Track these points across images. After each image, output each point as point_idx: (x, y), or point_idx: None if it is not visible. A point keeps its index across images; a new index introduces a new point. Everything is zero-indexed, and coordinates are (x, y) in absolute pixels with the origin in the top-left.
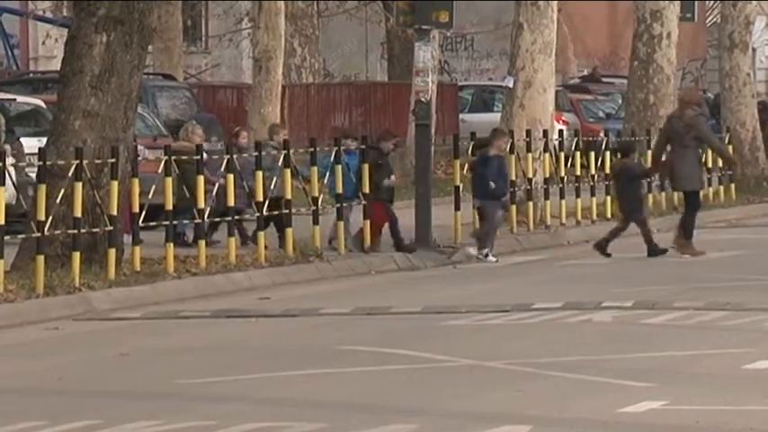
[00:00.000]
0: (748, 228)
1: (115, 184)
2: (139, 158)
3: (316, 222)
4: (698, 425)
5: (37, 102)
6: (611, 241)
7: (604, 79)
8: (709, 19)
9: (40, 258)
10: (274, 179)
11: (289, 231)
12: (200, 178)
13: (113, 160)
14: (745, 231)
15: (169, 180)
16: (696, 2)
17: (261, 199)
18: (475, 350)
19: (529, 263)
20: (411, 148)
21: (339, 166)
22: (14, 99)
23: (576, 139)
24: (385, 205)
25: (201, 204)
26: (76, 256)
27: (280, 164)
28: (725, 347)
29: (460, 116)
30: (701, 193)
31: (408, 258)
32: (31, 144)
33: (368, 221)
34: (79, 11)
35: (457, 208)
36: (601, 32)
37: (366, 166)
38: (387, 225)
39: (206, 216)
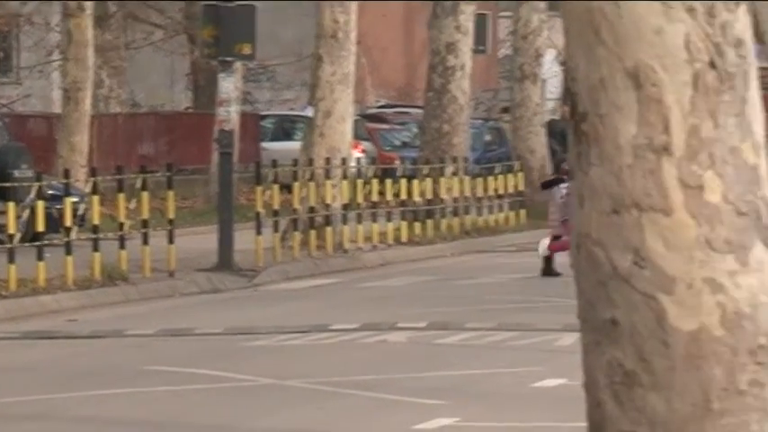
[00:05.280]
0: (537, 252)
1: None
2: None
3: (122, 247)
4: None
5: None
6: None
7: (400, 110)
8: (501, 51)
9: None
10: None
11: (96, 256)
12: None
13: None
14: (534, 255)
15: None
16: (489, 35)
17: (69, 224)
18: (275, 369)
19: (327, 285)
20: (214, 176)
21: (145, 193)
22: None
23: (373, 167)
24: None
25: (12, 230)
26: None
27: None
28: (515, 366)
29: (262, 144)
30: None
31: (211, 281)
32: None
33: None
34: None
35: (258, 233)
36: (397, 64)
37: None
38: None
39: (16, 240)
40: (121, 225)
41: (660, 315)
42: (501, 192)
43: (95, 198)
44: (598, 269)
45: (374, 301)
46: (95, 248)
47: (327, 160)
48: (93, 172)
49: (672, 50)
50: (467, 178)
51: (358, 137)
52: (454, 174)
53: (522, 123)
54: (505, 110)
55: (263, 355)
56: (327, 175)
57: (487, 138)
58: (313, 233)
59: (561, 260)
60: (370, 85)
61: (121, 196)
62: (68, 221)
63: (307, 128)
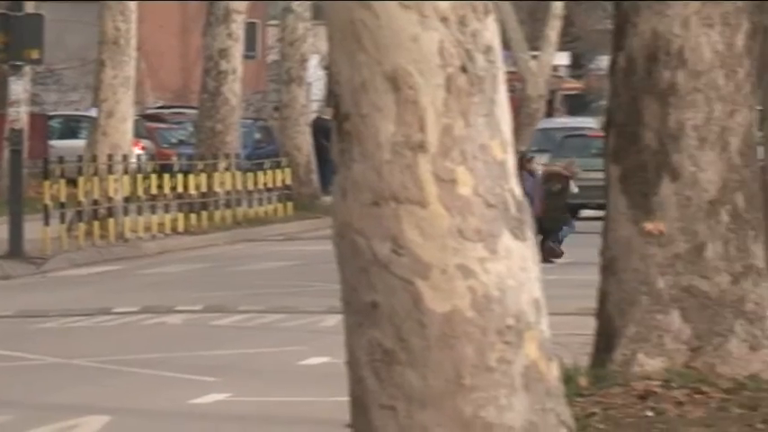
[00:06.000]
0: (303, 240)
1: None
2: None
3: None
4: (258, 414)
5: None
6: None
7: (177, 110)
8: (270, 57)
9: None
10: None
11: None
12: None
13: None
14: (301, 244)
15: None
16: (258, 42)
17: None
18: (62, 349)
19: (110, 272)
20: (5, 171)
21: None
22: None
23: (152, 163)
24: None
25: None
26: None
27: None
28: (283, 346)
29: (50, 142)
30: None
31: (2, 268)
32: None
33: None
34: None
35: (46, 223)
36: (174, 68)
37: None
38: None
39: None
40: None
41: (417, 298)
42: (270, 185)
43: None
44: (360, 256)
45: (153, 286)
46: None
47: (110, 157)
48: None
49: (427, 56)
50: (238, 173)
51: (138, 135)
52: (227, 169)
53: (290, 123)
54: (277, 109)
55: (50, 336)
56: (110, 171)
57: (257, 136)
58: (97, 224)
59: None
60: (149, 88)
61: None
62: None
63: (91, 127)
